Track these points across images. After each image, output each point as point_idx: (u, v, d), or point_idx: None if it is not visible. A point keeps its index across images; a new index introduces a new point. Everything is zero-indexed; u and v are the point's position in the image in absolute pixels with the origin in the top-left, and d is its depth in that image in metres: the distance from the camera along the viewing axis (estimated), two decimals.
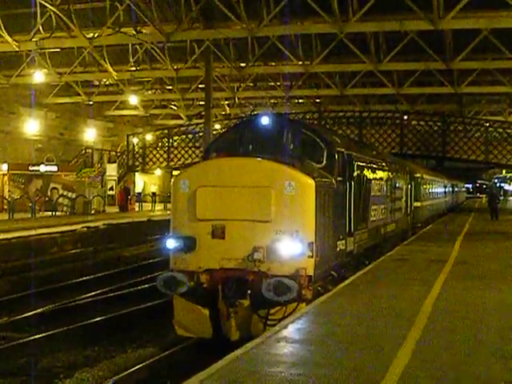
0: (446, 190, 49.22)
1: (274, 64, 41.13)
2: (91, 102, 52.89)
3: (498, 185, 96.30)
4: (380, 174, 19.33)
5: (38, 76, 41.43)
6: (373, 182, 17.90)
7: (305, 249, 11.54)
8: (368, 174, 17.21)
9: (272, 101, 54.95)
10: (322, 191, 12.34)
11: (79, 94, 49.89)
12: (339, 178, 13.82)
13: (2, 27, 34.76)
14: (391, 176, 21.48)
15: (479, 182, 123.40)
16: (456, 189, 63.19)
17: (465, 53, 34.37)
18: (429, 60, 36.74)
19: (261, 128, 13.79)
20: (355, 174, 15.20)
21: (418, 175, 30.50)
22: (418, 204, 29.45)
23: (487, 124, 48.23)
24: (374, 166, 18.52)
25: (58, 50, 40.83)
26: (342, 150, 14.36)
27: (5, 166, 42.24)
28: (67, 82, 46.51)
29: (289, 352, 8.47)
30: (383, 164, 20.49)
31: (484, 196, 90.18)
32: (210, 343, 12.13)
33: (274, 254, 11.59)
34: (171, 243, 12.20)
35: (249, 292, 11.65)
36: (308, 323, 10.24)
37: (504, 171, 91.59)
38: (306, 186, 11.80)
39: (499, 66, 38.93)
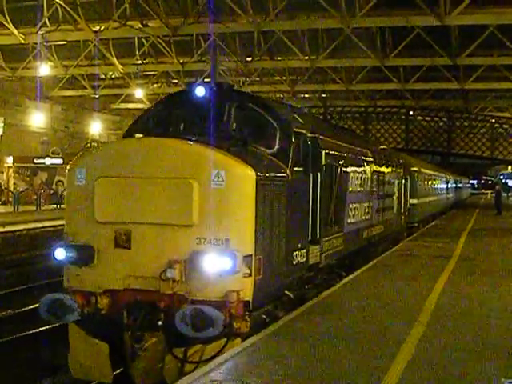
0: (449, 185, 48.20)
1: (280, 58, 41.05)
2: (97, 96, 52.82)
3: (503, 181, 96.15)
4: (362, 165, 16.38)
5: (44, 69, 41.39)
6: (351, 174, 14.81)
7: (237, 264, 8.61)
8: (344, 164, 14.01)
9: (278, 95, 54.84)
10: (269, 185, 9.54)
11: (85, 87, 49.83)
12: (298, 168, 10.86)
13: (9, 20, 34.74)
14: (379, 169, 18.48)
15: (484, 178, 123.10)
16: (460, 184, 62.79)
17: (471, 49, 34.24)
18: (435, 56, 36.62)
19: (196, 102, 10.87)
20: (323, 163, 12.14)
21: (415, 169, 28.07)
22: (414, 201, 26.97)
23: (493, 120, 48.23)
24: (354, 155, 15.50)
25: (64, 42, 40.82)
26: (304, 131, 11.41)
27: (10, 159, 42.37)
28: (73, 75, 46.49)
29: (291, 347, 8.49)
30: (367, 153, 17.33)
31: (489, 192, 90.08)
32: None
33: (196, 271, 8.74)
34: (61, 253, 9.29)
35: (159, 323, 8.84)
36: (312, 320, 10.25)
37: (510, 167, 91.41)
38: (242, 178, 9.02)
39: (505, 62, 38.78)
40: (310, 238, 11.49)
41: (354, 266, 15.53)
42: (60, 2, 33.38)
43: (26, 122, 49.59)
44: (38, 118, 50.29)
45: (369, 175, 16.98)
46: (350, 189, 14.74)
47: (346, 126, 44.77)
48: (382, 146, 25.60)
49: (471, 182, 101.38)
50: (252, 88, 51.39)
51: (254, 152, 10.23)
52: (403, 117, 48.99)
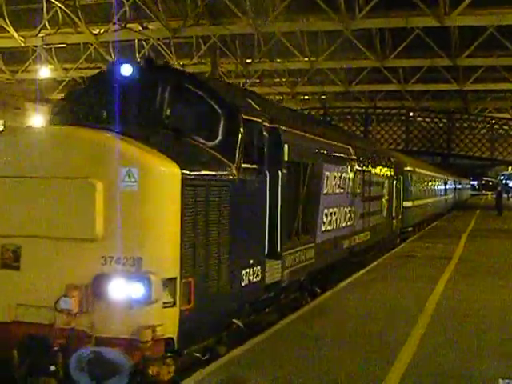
0: (447, 186, 47.63)
1: (279, 60, 41.09)
2: None
3: (503, 182, 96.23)
4: (342, 163, 14.13)
5: (44, 72, 41.42)
6: (327, 174, 12.66)
7: (153, 291, 6.75)
8: (316, 161, 11.97)
9: (278, 97, 54.88)
10: (203, 186, 7.60)
11: None
12: (250, 166, 8.85)
13: (9, 22, 34.76)
14: (364, 168, 16.35)
15: (485, 178, 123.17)
16: (459, 186, 62.41)
17: (471, 49, 34.27)
18: (434, 57, 36.64)
19: (122, 83, 8.82)
20: (286, 159, 10.08)
21: (409, 169, 25.95)
22: (408, 204, 24.97)
23: (493, 121, 48.23)
24: (330, 151, 13.22)
25: (64, 45, 40.86)
26: (259, 120, 9.38)
27: None
28: (73, 77, 46.48)
29: (292, 349, 8.50)
30: (349, 150, 15.01)
31: (490, 193, 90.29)
32: None
33: (100, 301, 6.88)
34: None
35: (52, 368, 6.85)
36: (312, 321, 10.26)
37: (510, 168, 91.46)
38: (162, 177, 7.06)
39: (505, 63, 38.77)
40: (266, 251, 9.49)
41: (332, 281, 13.72)
42: (60, 4, 33.41)
43: (25, 125, 49.54)
44: (37, 121, 50.23)
45: (351, 175, 14.78)
46: (325, 190, 12.65)
47: (346, 128, 44.75)
48: (381, 147, 24.92)
49: (471, 182, 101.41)
50: (252, 90, 51.43)
51: (188, 144, 8.32)
52: (403, 118, 49.01)
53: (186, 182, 7.17)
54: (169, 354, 7.15)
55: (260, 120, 9.38)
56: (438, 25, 28.76)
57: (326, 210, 12.63)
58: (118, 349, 6.70)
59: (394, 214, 21.37)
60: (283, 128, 10.18)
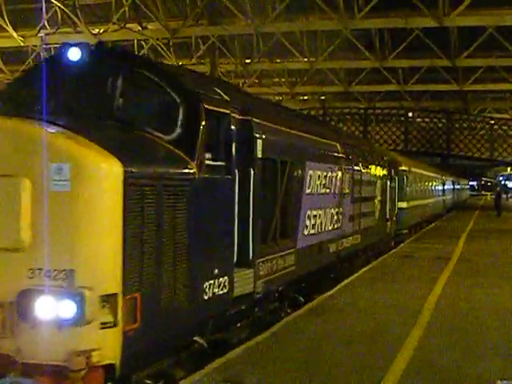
0: (445, 187, 47.48)
1: (279, 60, 41.11)
2: None
3: (502, 182, 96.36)
4: (328, 161, 13.14)
5: None
6: (310, 172, 11.60)
7: (87, 310, 5.76)
8: (296, 158, 10.92)
9: (277, 97, 54.91)
10: (153, 186, 6.53)
11: None
12: (215, 163, 7.84)
13: (8, 22, 34.79)
14: (354, 166, 15.37)
15: (484, 179, 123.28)
16: (458, 186, 62.26)
17: (470, 50, 34.34)
18: (434, 57, 36.69)
19: (70, 70, 7.81)
20: (260, 156, 9.05)
21: (404, 168, 25.09)
22: (403, 205, 24.08)
23: (492, 121, 48.25)
24: (314, 147, 12.39)
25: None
26: (226, 111, 8.27)
27: None
28: None
29: (291, 348, 8.49)
30: (336, 147, 14.04)
31: (489, 194, 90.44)
32: None
33: (26, 321, 5.89)
34: None
35: None
36: (311, 321, 10.25)
37: (509, 169, 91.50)
38: (99, 175, 6.00)
39: (504, 64, 38.82)
40: (236, 259, 8.39)
41: (318, 289, 12.85)
42: (59, 4, 33.43)
43: None
44: None
45: (338, 174, 13.73)
46: (309, 190, 11.58)
47: (345, 128, 44.77)
48: (375, 145, 24.20)
49: (471, 183, 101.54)
50: (251, 90, 51.32)
51: (140, 138, 7.23)
52: (402, 118, 49.04)
53: (129, 181, 6.12)
54: (110, 383, 6.19)
55: (228, 111, 8.28)
56: (438, 25, 28.80)
57: (309, 212, 11.61)
58: (43, 379, 5.80)
59: (387, 216, 20.45)
60: (256, 121, 9.09)
